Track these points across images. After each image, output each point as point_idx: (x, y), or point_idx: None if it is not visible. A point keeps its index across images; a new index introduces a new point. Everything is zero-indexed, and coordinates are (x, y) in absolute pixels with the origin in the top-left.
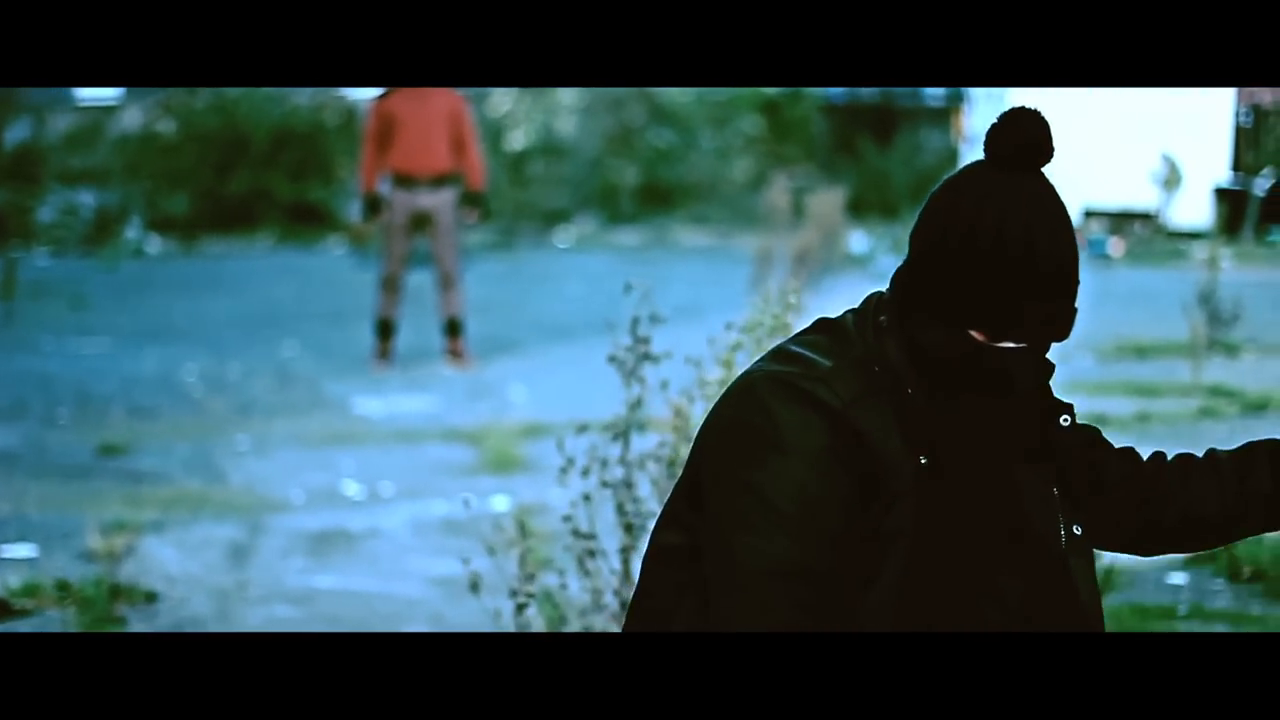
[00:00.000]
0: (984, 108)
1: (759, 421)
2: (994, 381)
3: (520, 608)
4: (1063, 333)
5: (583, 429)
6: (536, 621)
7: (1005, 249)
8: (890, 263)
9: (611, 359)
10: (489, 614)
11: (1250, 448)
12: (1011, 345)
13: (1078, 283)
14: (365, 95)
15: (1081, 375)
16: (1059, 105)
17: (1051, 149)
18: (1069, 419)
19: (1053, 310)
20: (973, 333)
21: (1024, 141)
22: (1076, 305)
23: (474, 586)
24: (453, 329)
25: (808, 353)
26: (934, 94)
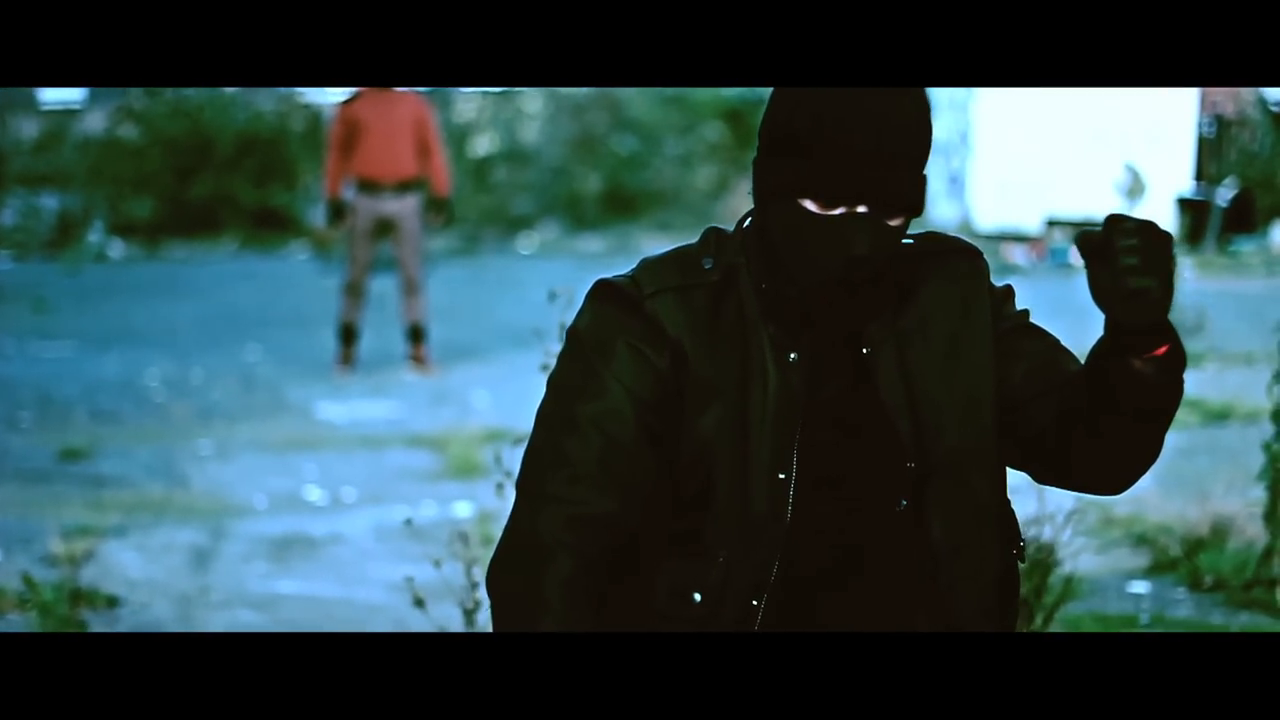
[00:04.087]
0: (948, 115)
1: (571, 326)
2: (829, 247)
3: (468, 614)
4: (892, 197)
5: (519, 441)
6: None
7: (821, 117)
8: None
9: (544, 368)
10: (445, 621)
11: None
12: (843, 211)
13: (909, 149)
14: (329, 100)
15: None
16: (1022, 115)
17: None
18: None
19: (874, 172)
20: (804, 203)
21: None
22: (920, 175)
23: (419, 603)
24: (416, 335)
25: (655, 257)
26: None
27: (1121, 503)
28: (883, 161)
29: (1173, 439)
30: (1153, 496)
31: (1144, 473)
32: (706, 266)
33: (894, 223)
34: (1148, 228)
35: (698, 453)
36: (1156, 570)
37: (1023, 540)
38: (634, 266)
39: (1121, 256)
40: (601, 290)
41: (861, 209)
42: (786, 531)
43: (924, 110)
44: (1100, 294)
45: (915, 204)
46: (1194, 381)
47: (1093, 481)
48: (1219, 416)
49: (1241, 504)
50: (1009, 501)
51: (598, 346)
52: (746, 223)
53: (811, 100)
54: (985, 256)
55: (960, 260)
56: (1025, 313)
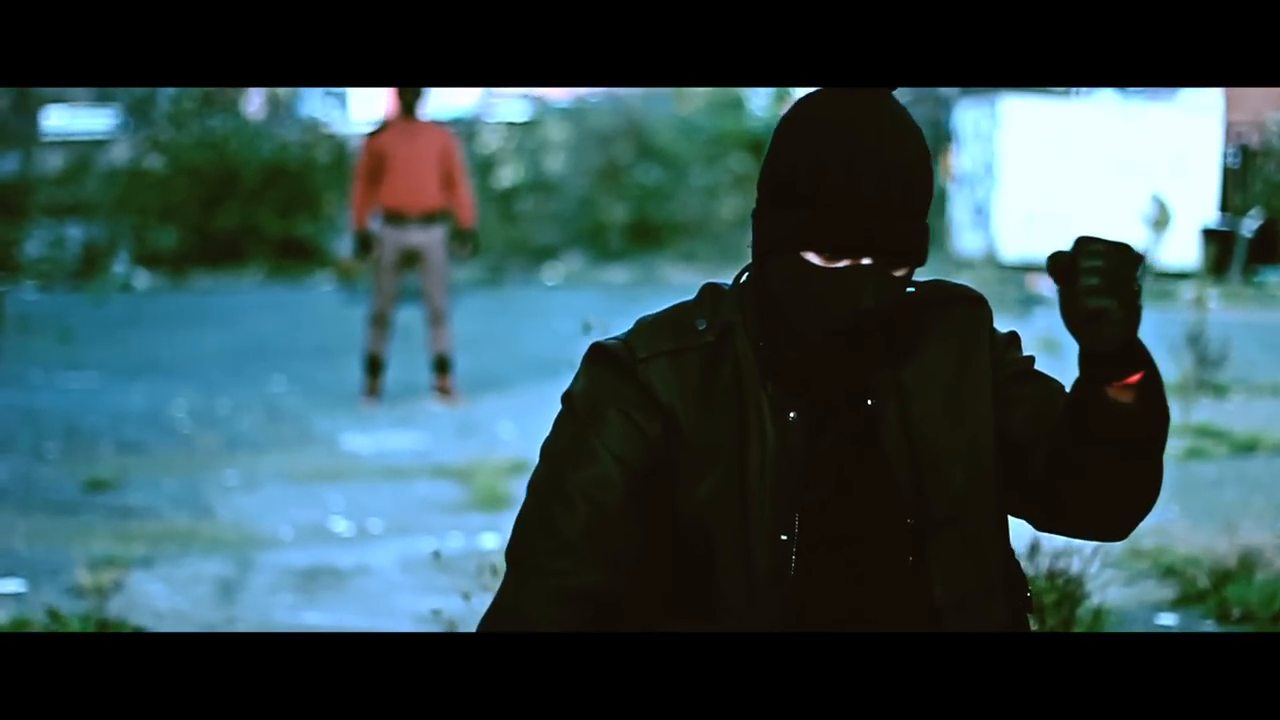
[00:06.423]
0: (973, 147)
1: (566, 391)
2: (836, 299)
3: None
4: (898, 248)
5: None
6: None
7: (825, 166)
8: None
9: None
10: None
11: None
12: (848, 264)
13: (913, 197)
14: (354, 132)
15: None
16: (1047, 146)
17: None
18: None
19: (880, 223)
20: (806, 256)
21: None
22: (924, 225)
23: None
24: (441, 366)
25: (651, 318)
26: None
27: (1149, 534)
28: (890, 211)
29: (1200, 470)
30: (1180, 528)
31: (1143, 514)
32: (700, 328)
33: (898, 273)
34: (1114, 249)
35: (696, 517)
36: (1184, 602)
37: (1029, 591)
38: (630, 328)
39: (1083, 277)
40: (595, 354)
41: (867, 260)
42: (789, 594)
43: (926, 157)
44: (1065, 316)
45: (920, 254)
46: (1221, 413)
47: (1089, 525)
48: (1246, 448)
49: (1270, 535)
50: (1013, 551)
51: (589, 413)
52: (744, 278)
53: (814, 149)
54: (989, 303)
55: (960, 308)
56: (1030, 359)
